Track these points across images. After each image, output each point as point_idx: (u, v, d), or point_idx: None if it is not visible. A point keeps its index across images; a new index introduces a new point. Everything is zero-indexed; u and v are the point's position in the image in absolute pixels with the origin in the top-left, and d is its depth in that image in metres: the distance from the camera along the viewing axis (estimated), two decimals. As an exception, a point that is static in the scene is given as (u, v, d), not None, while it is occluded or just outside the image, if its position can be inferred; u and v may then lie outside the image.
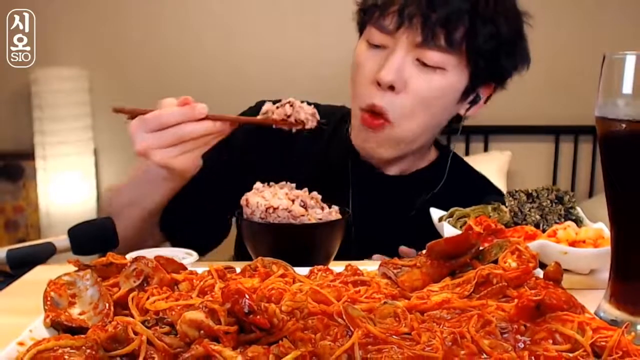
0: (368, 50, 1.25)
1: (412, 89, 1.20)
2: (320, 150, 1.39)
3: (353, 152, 1.34)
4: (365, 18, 1.26)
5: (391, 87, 1.20)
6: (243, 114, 1.38)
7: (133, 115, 1.05)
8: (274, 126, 1.11)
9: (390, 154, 1.30)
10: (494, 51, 1.21)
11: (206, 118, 1.04)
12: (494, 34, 1.20)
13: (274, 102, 1.13)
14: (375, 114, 1.23)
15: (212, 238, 1.41)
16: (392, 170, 1.38)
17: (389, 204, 1.37)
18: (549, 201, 1.05)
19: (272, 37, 3.01)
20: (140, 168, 1.18)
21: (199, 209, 1.30)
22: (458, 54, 1.20)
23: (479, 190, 1.40)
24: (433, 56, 1.19)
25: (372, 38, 1.23)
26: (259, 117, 1.12)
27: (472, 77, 1.24)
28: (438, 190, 1.36)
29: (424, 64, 1.20)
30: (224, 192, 1.16)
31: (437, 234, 1.07)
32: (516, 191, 1.07)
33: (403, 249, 1.12)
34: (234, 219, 1.03)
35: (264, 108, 1.12)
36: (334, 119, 1.42)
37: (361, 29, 1.30)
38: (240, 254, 1.33)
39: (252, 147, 1.38)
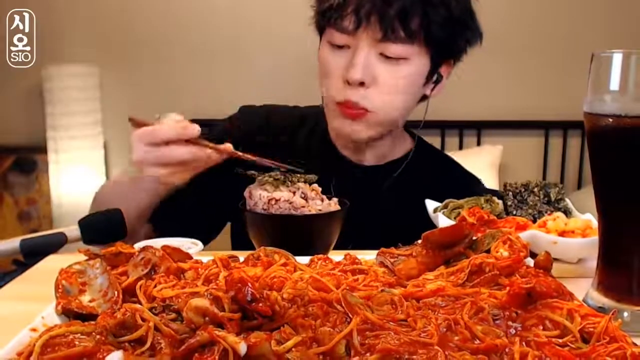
0: (331, 51, 1.27)
1: (381, 82, 1.24)
2: (300, 150, 1.40)
3: (332, 149, 1.39)
4: (324, 21, 1.27)
5: (361, 83, 1.23)
6: (230, 117, 1.45)
7: (139, 125, 1.09)
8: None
9: (370, 135, 1.31)
10: (449, 34, 1.24)
11: (197, 143, 1.08)
12: (447, 18, 1.22)
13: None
14: (352, 106, 1.26)
15: (204, 234, 1.40)
16: (368, 161, 1.41)
17: (370, 194, 1.39)
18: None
19: (280, 32, 2.98)
20: (125, 174, 1.19)
21: (190, 207, 1.31)
22: (417, 43, 1.22)
23: (458, 180, 1.44)
24: (395, 49, 1.21)
25: (334, 39, 1.25)
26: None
27: (432, 60, 1.27)
28: (416, 180, 1.40)
29: (388, 57, 1.23)
30: (211, 190, 1.26)
31: (427, 221, 1.10)
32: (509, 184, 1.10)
33: None
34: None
35: None
36: (310, 119, 1.46)
37: (321, 31, 1.31)
38: (238, 246, 1.34)
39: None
